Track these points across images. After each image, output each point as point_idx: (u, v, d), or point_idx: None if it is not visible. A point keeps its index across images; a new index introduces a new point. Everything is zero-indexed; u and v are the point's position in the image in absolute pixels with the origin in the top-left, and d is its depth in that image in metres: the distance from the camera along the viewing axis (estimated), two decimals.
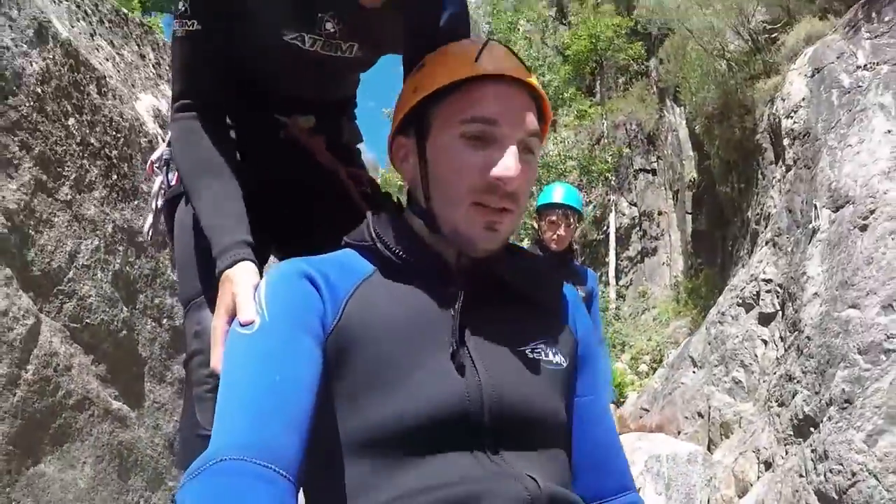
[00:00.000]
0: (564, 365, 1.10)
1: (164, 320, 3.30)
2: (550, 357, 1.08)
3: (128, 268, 3.07)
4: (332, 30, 1.42)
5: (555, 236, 3.84)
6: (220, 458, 0.82)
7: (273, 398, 0.90)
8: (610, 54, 19.41)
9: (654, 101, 18.71)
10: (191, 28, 1.33)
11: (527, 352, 1.07)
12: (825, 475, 4.22)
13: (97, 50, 3.41)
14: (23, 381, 2.21)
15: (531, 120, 1.09)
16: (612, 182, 18.14)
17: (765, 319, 6.25)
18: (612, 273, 16.68)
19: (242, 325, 1.01)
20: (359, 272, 1.08)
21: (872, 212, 5.11)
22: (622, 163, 18.83)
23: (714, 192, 12.76)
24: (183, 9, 1.33)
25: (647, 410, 6.72)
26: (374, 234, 1.10)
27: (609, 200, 18.13)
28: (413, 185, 1.16)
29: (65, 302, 2.57)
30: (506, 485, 0.91)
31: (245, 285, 1.09)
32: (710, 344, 6.72)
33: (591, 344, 1.21)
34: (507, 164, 1.03)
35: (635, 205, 18.03)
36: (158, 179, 1.67)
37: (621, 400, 9.37)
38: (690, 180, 15.12)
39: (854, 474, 4.04)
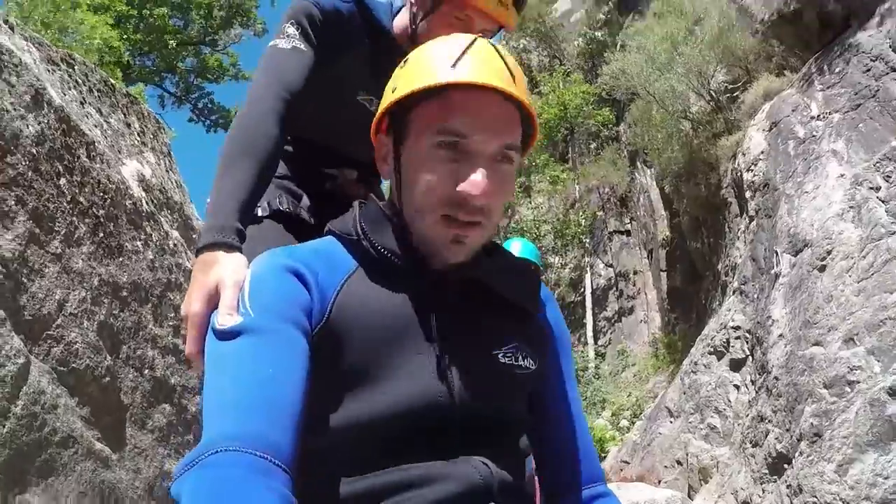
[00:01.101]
0: (534, 367, 1.11)
1: (146, 370, 3.40)
2: (521, 361, 1.09)
3: (112, 319, 3.20)
4: None
5: None
6: (215, 450, 0.82)
7: (265, 390, 0.90)
8: (580, 121, 20.07)
9: (626, 164, 19.24)
10: (298, 46, 1.57)
11: (499, 356, 1.08)
12: None
13: (87, 117, 3.62)
14: (12, 414, 2.31)
15: (509, 131, 1.06)
16: (587, 244, 18.49)
17: (736, 365, 6.42)
18: (590, 333, 16.83)
19: (220, 322, 1.00)
20: (343, 268, 1.08)
21: (829, 252, 5.37)
22: (596, 225, 19.23)
23: (686, 248, 13.11)
24: (293, 32, 1.58)
25: (627, 463, 6.78)
26: (360, 230, 1.10)
27: (585, 262, 18.42)
28: (390, 187, 1.16)
29: (53, 346, 2.69)
30: (461, 467, 0.96)
31: (234, 279, 1.08)
32: (685, 393, 6.84)
33: (562, 338, 1.24)
34: (475, 180, 1.01)
35: (611, 266, 18.33)
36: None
37: (602, 455, 9.38)
38: (663, 239, 15.50)
39: None
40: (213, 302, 1.08)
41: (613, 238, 18.85)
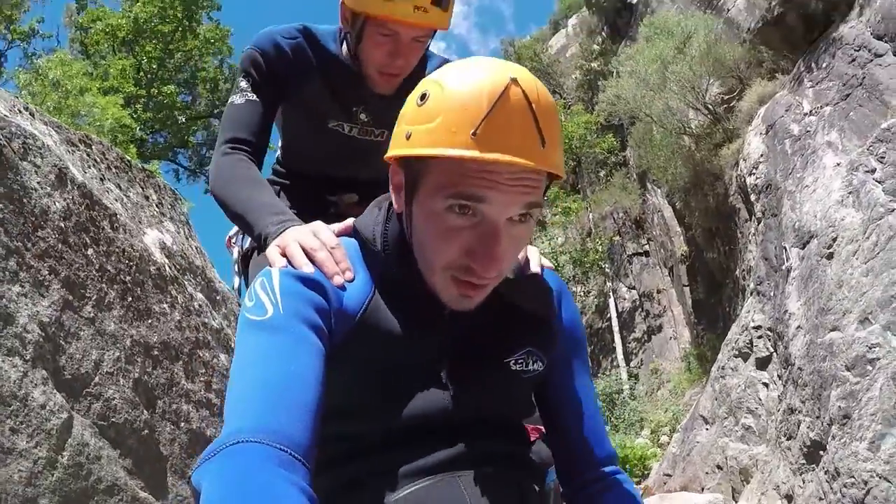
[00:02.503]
0: (541, 368, 1.16)
1: (182, 423, 3.57)
2: (530, 366, 1.13)
3: (146, 377, 3.38)
4: (365, 119, 1.85)
5: None
6: (237, 441, 0.83)
7: (287, 385, 0.91)
8: (586, 150, 20.32)
9: (636, 186, 19.40)
10: (250, 98, 1.73)
11: (511, 363, 1.12)
12: (840, 492, 4.31)
13: (108, 192, 3.88)
14: (59, 464, 2.49)
15: (530, 194, 0.99)
16: (608, 270, 18.53)
17: (761, 364, 6.44)
18: (620, 356, 16.76)
19: (252, 314, 1.03)
20: (365, 284, 1.11)
21: (835, 239, 5.44)
22: (615, 250, 19.30)
23: (704, 260, 13.14)
24: (245, 86, 1.74)
25: (669, 475, 6.76)
26: (384, 248, 1.12)
27: (608, 288, 18.45)
28: (399, 218, 1.12)
29: (93, 402, 2.88)
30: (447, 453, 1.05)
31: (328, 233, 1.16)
32: (716, 399, 6.85)
33: (575, 332, 1.26)
34: (489, 256, 0.99)
35: (634, 288, 18.34)
36: (235, 249, 2.02)
37: (645, 472, 9.31)
38: (682, 254, 15.52)
39: (866, 482, 4.14)
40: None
41: (633, 260, 18.89)
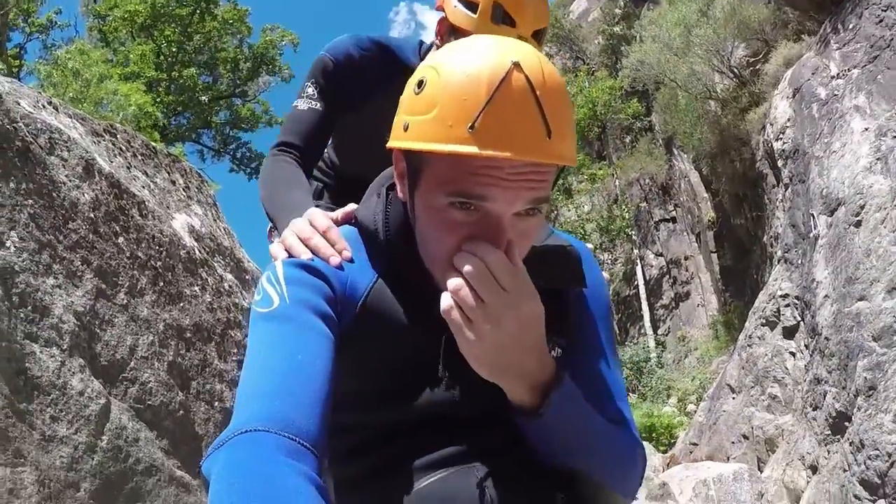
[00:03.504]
0: (561, 352, 1.10)
1: (216, 403, 3.69)
2: (551, 351, 1.04)
3: (179, 359, 3.50)
4: None
5: None
6: (246, 430, 0.83)
7: (296, 376, 0.91)
8: (610, 116, 20.08)
9: (662, 152, 19.18)
10: (313, 106, 1.78)
11: None
12: (865, 463, 4.32)
13: (134, 179, 3.97)
14: (99, 448, 2.61)
15: (536, 189, 0.94)
16: (635, 237, 18.42)
17: (788, 332, 6.41)
18: (647, 324, 16.75)
19: (260, 307, 1.02)
20: (367, 271, 1.10)
21: (863, 207, 5.37)
22: (641, 217, 19.16)
23: (731, 226, 13.01)
24: (311, 92, 1.78)
25: (696, 444, 6.81)
26: (386, 236, 1.10)
27: (635, 255, 18.36)
28: (404, 205, 1.08)
29: (129, 387, 2.99)
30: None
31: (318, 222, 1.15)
32: (743, 368, 6.85)
33: (599, 299, 1.20)
34: (491, 255, 0.92)
35: (661, 255, 18.23)
36: (276, 239, 2.10)
37: (672, 441, 9.38)
38: (709, 220, 15.37)
39: (890, 455, 4.15)
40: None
41: (660, 227, 18.76)
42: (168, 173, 4.70)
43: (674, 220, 18.30)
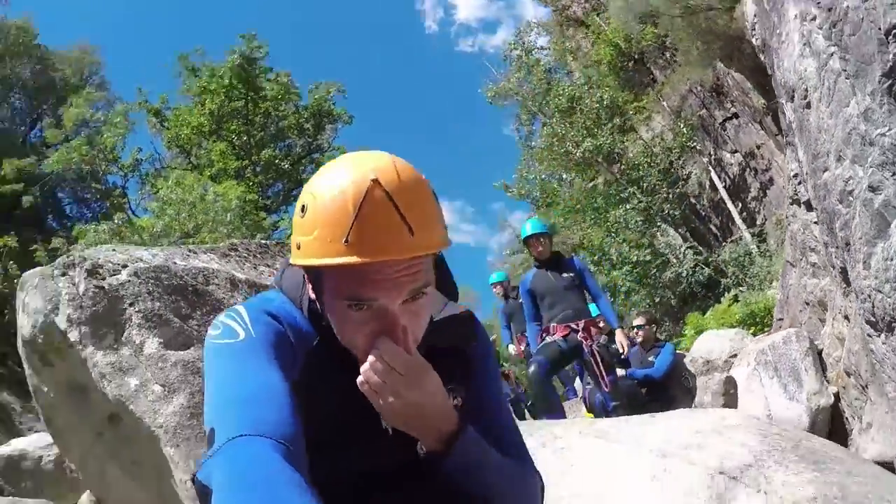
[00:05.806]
0: (460, 401, 1.25)
1: None
2: (452, 403, 1.18)
3: None
4: None
5: (536, 252, 5.88)
6: (236, 435, 0.90)
7: (272, 390, 1.00)
8: (635, 46, 20.14)
9: (699, 59, 19.15)
10: None
11: None
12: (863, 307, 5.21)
13: (262, 274, 4.79)
14: None
15: (415, 279, 1.07)
16: (700, 147, 18.68)
17: (808, 206, 7.13)
18: (738, 221, 16.93)
19: (221, 339, 1.12)
20: (309, 331, 1.20)
21: (806, 90, 6.20)
22: (707, 122, 19.29)
23: (775, 108, 13.25)
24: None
25: (781, 319, 7.46)
26: (309, 316, 1.20)
27: (708, 161, 18.63)
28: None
29: None
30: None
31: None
32: (791, 244, 7.56)
33: (484, 354, 1.34)
34: (394, 338, 1.07)
35: (736, 151, 18.38)
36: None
37: (770, 321, 9.71)
38: (762, 106, 15.54)
39: (869, 296, 4.98)
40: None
41: (726, 126, 18.87)
42: (281, 256, 5.43)
43: (735, 115, 18.41)
